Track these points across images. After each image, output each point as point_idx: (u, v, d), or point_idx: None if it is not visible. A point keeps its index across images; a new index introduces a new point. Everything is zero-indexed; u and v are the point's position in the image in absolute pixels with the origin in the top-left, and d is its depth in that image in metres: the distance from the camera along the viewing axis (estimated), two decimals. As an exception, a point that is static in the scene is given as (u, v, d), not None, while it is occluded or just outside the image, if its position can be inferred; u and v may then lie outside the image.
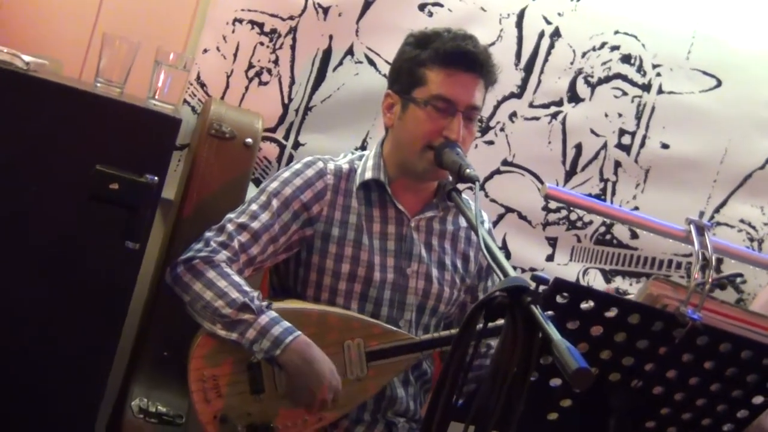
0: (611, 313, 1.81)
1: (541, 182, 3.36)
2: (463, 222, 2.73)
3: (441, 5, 3.27)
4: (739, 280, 3.40)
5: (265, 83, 3.20)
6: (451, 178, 2.42)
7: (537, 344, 1.64)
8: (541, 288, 1.74)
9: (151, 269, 2.99)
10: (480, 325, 1.70)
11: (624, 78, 3.43)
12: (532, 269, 3.43)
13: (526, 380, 1.66)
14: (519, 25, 3.34)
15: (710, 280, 1.84)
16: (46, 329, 2.41)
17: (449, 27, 2.59)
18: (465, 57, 2.50)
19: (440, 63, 2.50)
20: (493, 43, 3.29)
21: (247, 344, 2.34)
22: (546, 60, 3.37)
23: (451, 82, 2.50)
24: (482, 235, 1.97)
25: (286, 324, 2.36)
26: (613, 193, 3.47)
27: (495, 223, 3.40)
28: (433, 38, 2.55)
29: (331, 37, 3.22)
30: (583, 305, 1.80)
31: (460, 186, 2.37)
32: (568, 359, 1.50)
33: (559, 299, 1.78)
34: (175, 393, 2.71)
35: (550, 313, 1.79)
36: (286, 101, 3.22)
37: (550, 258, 3.48)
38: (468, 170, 2.31)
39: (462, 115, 2.50)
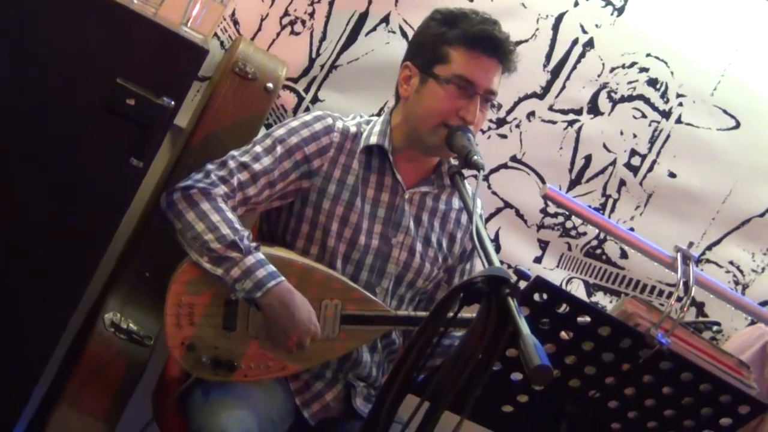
0: (584, 320, 1.85)
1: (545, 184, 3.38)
2: (455, 203, 2.76)
3: (482, -8, 3.28)
4: (715, 328, 3.47)
5: (297, 33, 3.21)
6: (457, 162, 2.46)
7: (506, 335, 1.67)
8: (522, 283, 1.77)
9: (148, 192, 3.02)
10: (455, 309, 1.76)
11: (646, 101, 3.45)
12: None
13: (488, 367, 1.70)
14: (555, 28, 3.36)
15: (685, 309, 1.88)
16: (38, 224, 2.42)
17: (476, 9, 2.62)
18: (490, 41, 2.54)
19: (466, 44, 2.54)
20: (526, 41, 3.31)
21: (230, 282, 2.37)
22: (574, 67, 3.39)
23: (474, 65, 2.54)
24: (476, 221, 2.01)
25: (272, 268, 2.40)
26: (612, 210, 3.49)
27: (491, 216, 3.43)
28: (461, 18, 2.58)
29: (370, 2, 3.23)
30: (558, 309, 1.84)
31: (465, 173, 2.41)
32: (532, 354, 1.54)
33: (536, 297, 1.81)
34: (149, 314, 2.74)
35: (525, 309, 1.83)
36: (313, 55, 3.24)
37: (538, 260, 3.51)
38: (475, 157, 2.36)
39: (480, 98, 2.53)
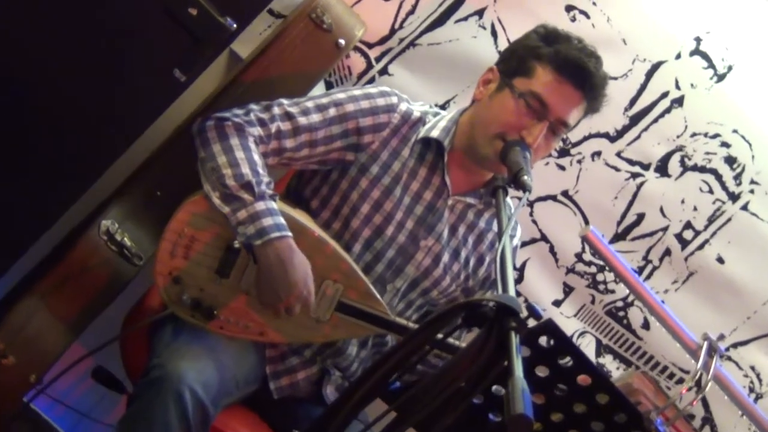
0: (583, 381, 1.69)
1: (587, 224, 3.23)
2: (494, 226, 2.60)
3: (588, 17, 3.13)
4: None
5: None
6: (506, 176, 2.30)
7: (497, 370, 1.53)
8: (531, 321, 1.62)
9: (187, 112, 2.89)
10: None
11: (718, 177, 3.28)
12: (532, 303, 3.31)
13: (468, 397, 1.57)
14: (649, 75, 3.20)
15: (694, 402, 1.72)
16: (68, 102, 2.28)
17: (583, 38, 2.45)
18: (581, 73, 2.37)
19: (555, 65, 2.37)
20: (615, 78, 3.15)
21: (234, 222, 2.24)
22: (656, 120, 3.23)
23: (556, 89, 2.37)
24: (505, 242, 1.85)
25: (280, 220, 2.26)
26: (649, 278, 3.33)
27: (524, 244, 3.27)
28: (562, 40, 2.42)
29: (470, -10, 3.09)
30: (561, 360, 1.68)
31: (512, 193, 2.26)
32: (517, 400, 1.39)
33: (541, 341, 1.65)
34: (148, 235, 2.61)
35: (525, 349, 1.67)
36: (396, 26, 3.10)
37: (557, 303, 3.34)
38: (525, 177, 2.18)
39: (549, 125, 2.37)
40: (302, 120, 2.41)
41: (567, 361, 1.69)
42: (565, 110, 2.38)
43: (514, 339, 1.52)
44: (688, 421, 1.79)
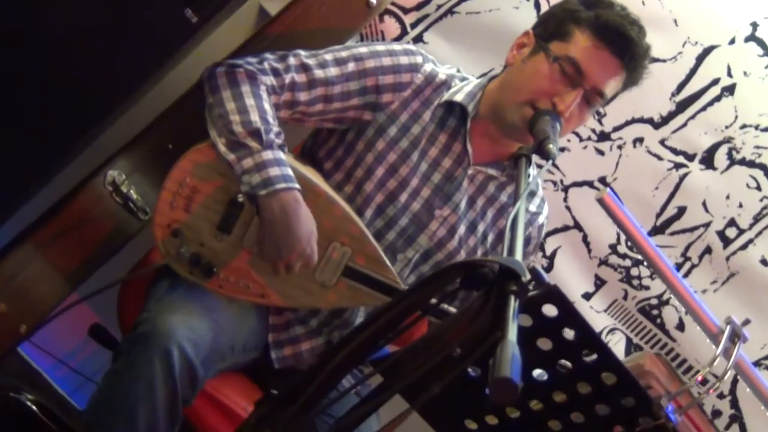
0: (589, 357, 1.53)
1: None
2: None
3: (639, -5, 2.97)
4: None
5: (427, -38, 2.95)
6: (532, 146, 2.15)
7: (493, 339, 1.38)
8: (534, 286, 1.47)
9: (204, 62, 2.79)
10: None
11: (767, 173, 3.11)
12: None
13: (460, 366, 1.42)
14: (700, 59, 3.04)
15: (711, 390, 1.56)
16: (76, 39, 2.16)
17: (625, 6, 2.30)
18: (622, 39, 2.22)
19: (593, 30, 2.23)
20: (663, 61, 3.00)
21: (239, 171, 2.11)
22: (704, 108, 3.07)
23: (593, 55, 2.23)
24: (520, 208, 1.70)
25: (288, 171, 2.13)
26: (687, 275, 3.16)
27: (556, 231, 3.13)
28: (604, 5, 2.28)
29: (519, -42, 2.96)
30: (566, 333, 1.52)
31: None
32: (503, 363, 1.24)
33: (545, 309, 1.50)
34: (155, 189, 2.47)
35: (527, 318, 1.52)
36: (435, -8, 2.97)
37: (587, 296, 3.19)
38: (551, 145, 2.02)
39: (583, 93, 2.22)
40: (319, 73, 2.28)
41: (571, 335, 1.54)
42: (602, 79, 2.24)
43: (512, 303, 1.38)
44: (704, 410, 1.62)
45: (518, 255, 1.55)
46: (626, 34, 2.22)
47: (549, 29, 2.31)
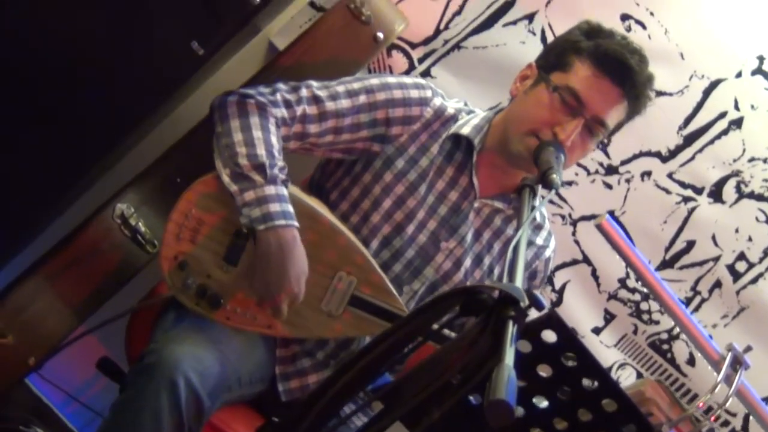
0: (589, 383, 1.53)
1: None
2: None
3: (644, 27, 3.00)
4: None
5: (432, -1, 2.97)
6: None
7: (491, 365, 1.38)
8: (533, 312, 1.47)
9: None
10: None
11: (777, 207, 3.11)
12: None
13: (459, 392, 1.42)
14: (707, 92, 3.04)
15: (712, 417, 1.55)
16: (86, 68, 2.23)
17: (627, 36, 2.32)
18: (621, 68, 2.23)
19: (593, 59, 2.25)
20: (670, 94, 3.01)
21: (240, 203, 2.11)
22: (712, 142, 3.07)
23: (593, 85, 2.24)
24: (521, 237, 1.70)
25: (289, 208, 2.13)
26: (696, 310, 3.14)
27: (565, 265, 3.13)
28: (604, 35, 2.31)
29: (521, -8, 2.97)
30: (565, 360, 1.52)
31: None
32: (498, 385, 1.24)
33: (544, 335, 1.50)
34: (164, 222, 2.50)
35: (527, 344, 1.52)
36: (441, 27, 2.99)
37: (596, 331, 3.17)
38: (554, 175, 2.02)
39: (584, 123, 2.23)
40: (330, 105, 2.29)
41: (572, 362, 1.54)
42: (603, 108, 2.25)
43: (510, 328, 1.38)
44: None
45: (518, 282, 1.55)
46: (626, 62, 2.23)
47: (550, 60, 2.33)
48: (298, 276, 2.14)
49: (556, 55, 2.32)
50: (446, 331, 2.07)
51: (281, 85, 2.29)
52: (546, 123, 2.23)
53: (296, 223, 2.13)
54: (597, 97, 2.24)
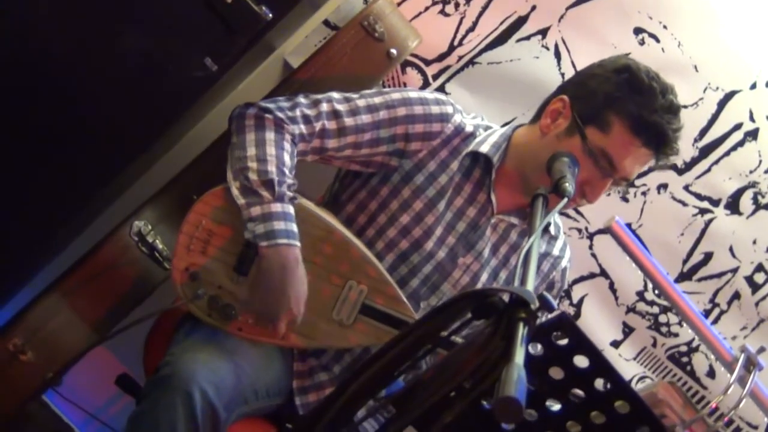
0: (600, 385, 1.53)
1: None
2: (542, 247, 2.46)
3: (657, 41, 3.00)
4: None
5: (447, 14, 2.97)
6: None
7: (502, 368, 1.38)
8: (544, 314, 1.47)
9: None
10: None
11: (794, 218, 3.10)
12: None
13: (469, 395, 1.42)
14: (722, 104, 3.04)
15: (725, 417, 1.54)
16: (98, 89, 2.24)
17: (667, 85, 2.30)
18: (658, 137, 2.26)
19: (633, 127, 2.25)
20: (685, 107, 2.96)
21: (246, 216, 2.13)
22: (727, 154, 3.07)
23: (628, 153, 2.26)
24: (533, 243, 1.70)
25: (293, 228, 2.14)
26: (716, 322, 3.13)
27: (582, 278, 3.12)
28: (647, 93, 2.26)
29: (533, 8, 2.98)
30: (577, 361, 1.52)
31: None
32: (508, 383, 1.24)
33: (555, 337, 1.50)
34: (178, 237, 2.55)
35: (539, 346, 1.52)
36: (455, 43, 2.99)
37: (615, 344, 3.16)
38: (566, 184, 2.02)
39: (612, 180, 2.28)
40: (349, 121, 2.30)
41: (584, 364, 1.53)
42: (632, 170, 2.29)
43: (521, 329, 1.39)
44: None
45: (530, 286, 1.56)
46: (665, 134, 2.25)
47: (587, 110, 2.29)
48: (298, 298, 2.15)
49: (594, 108, 2.28)
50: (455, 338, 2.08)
51: (302, 99, 2.30)
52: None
53: (298, 243, 2.14)
54: (629, 162, 2.26)
